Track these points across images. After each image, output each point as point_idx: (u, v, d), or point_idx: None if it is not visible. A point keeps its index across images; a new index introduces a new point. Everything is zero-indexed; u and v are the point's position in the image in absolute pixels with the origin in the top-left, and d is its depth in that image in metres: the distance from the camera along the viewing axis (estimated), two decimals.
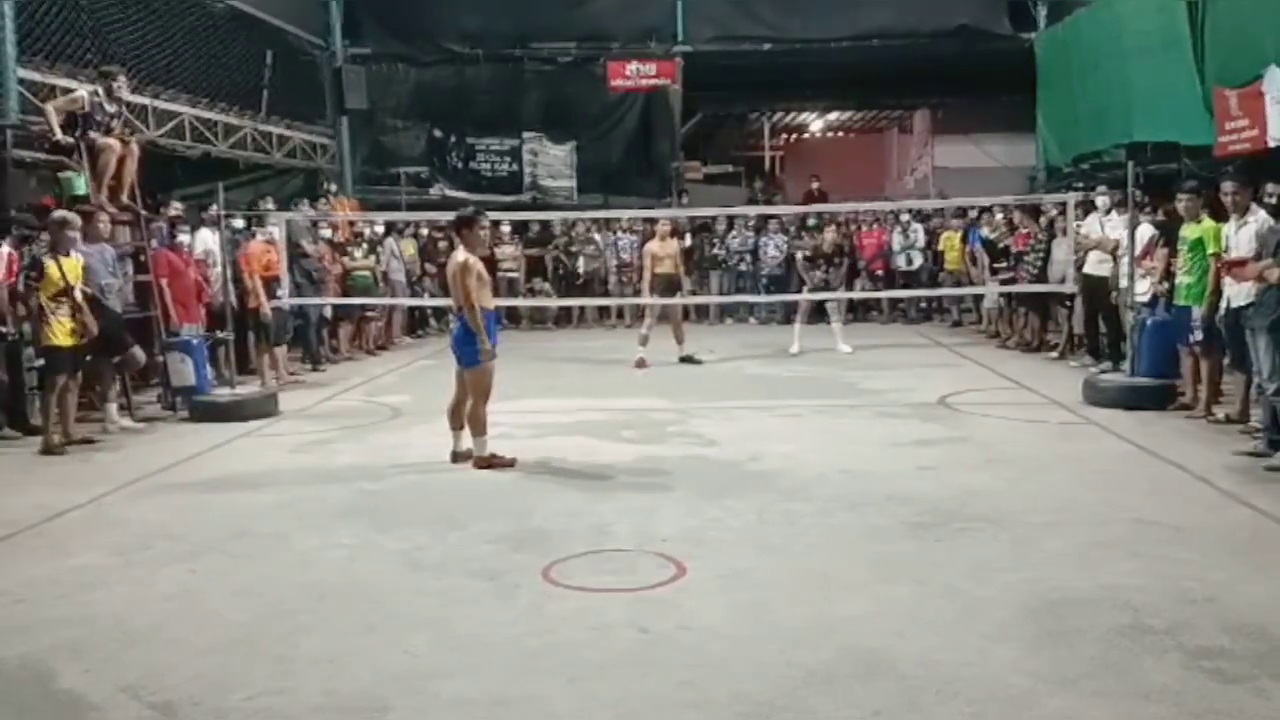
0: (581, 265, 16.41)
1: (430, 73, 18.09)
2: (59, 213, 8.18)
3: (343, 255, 13.17)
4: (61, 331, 7.82)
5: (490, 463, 6.92)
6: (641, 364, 11.76)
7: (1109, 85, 13.80)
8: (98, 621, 4.37)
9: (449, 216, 14.91)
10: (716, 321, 16.64)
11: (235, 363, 9.82)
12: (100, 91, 9.19)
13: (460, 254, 6.95)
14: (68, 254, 7.91)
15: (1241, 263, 7.11)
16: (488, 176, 18.01)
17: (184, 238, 10.47)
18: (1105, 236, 10.26)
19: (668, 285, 12.31)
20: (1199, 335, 7.93)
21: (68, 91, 9.57)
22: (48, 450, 7.71)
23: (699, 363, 11.91)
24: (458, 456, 7.09)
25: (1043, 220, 12.14)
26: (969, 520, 5.55)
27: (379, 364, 12.66)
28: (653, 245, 12.47)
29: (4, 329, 8.11)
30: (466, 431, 7.05)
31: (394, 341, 14.38)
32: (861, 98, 22.32)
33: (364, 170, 18.18)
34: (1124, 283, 9.41)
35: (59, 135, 8.93)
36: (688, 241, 16.20)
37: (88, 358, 8.14)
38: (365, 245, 13.59)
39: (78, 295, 7.86)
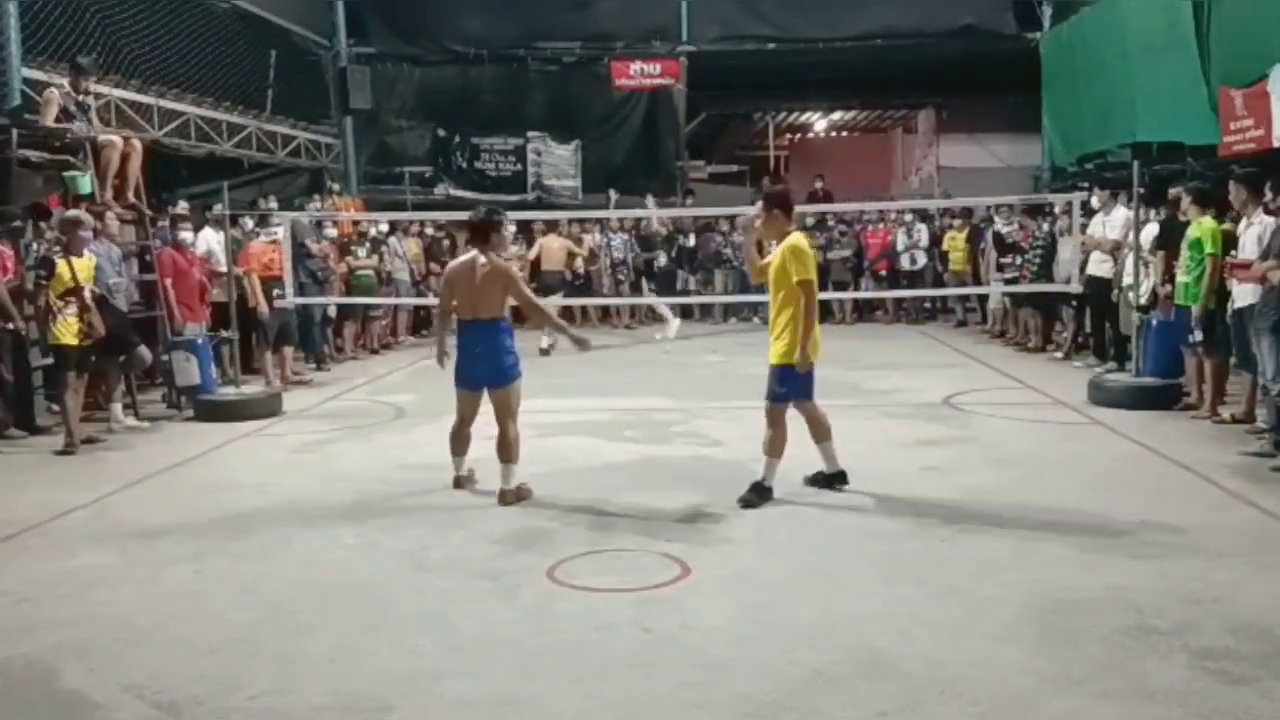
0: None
1: (435, 72, 18.11)
2: (72, 212, 8.20)
3: (346, 255, 13.18)
4: (68, 331, 7.82)
5: (519, 494, 6.15)
6: (545, 352, 12.22)
7: (1114, 85, 13.78)
8: (101, 621, 4.37)
9: (454, 216, 15.03)
10: (720, 320, 16.64)
11: (240, 362, 9.82)
12: (68, 84, 9.23)
13: (493, 258, 6.19)
14: (80, 254, 7.92)
15: (1246, 264, 7.11)
16: (492, 176, 18.02)
17: (186, 235, 10.46)
18: (1104, 237, 10.27)
19: (552, 284, 13.14)
20: (1199, 335, 7.93)
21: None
22: (67, 449, 7.69)
23: (547, 354, 12.19)
24: (461, 483, 6.43)
25: (1042, 220, 12.14)
26: (973, 520, 5.54)
27: (383, 363, 12.67)
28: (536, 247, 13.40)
29: (11, 325, 8.11)
30: (468, 459, 6.48)
31: (398, 341, 14.40)
32: (866, 97, 22.34)
33: (369, 170, 18.21)
34: (1126, 280, 9.41)
35: (70, 131, 8.98)
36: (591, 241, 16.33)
37: (93, 357, 8.14)
38: (368, 245, 13.60)
39: (87, 295, 7.87)
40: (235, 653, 4.02)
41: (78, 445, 7.76)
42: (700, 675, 3.73)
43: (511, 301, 6.24)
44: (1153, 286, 8.97)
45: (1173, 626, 4.05)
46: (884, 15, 17.37)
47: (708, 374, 11.37)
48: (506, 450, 6.12)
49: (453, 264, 6.48)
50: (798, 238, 5.99)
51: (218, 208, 10.09)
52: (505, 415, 6.15)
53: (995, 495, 6.02)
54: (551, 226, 14.62)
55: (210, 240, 10.65)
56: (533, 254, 14.32)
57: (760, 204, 6.14)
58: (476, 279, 6.11)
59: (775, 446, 6.01)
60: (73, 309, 7.82)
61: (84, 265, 7.95)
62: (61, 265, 7.81)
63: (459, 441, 6.42)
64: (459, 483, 6.42)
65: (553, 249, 14.42)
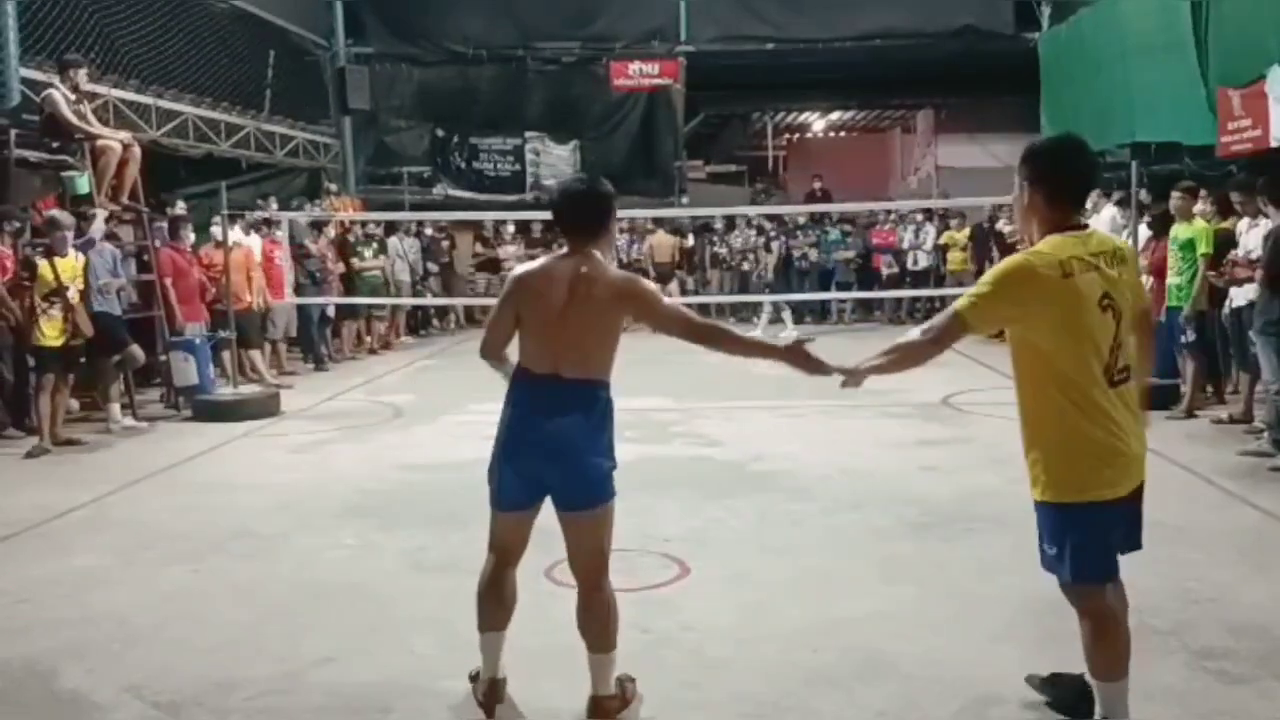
0: None
1: (433, 73, 18.11)
2: (50, 212, 8.15)
3: (350, 255, 13.19)
4: (51, 331, 7.76)
5: (625, 699, 3.46)
6: None
7: (1112, 85, 13.78)
8: (100, 621, 4.37)
9: (451, 216, 15.15)
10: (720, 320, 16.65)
11: (237, 362, 9.81)
12: (60, 83, 9.21)
13: (604, 265, 3.37)
14: (64, 254, 7.83)
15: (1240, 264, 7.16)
16: (490, 176, 18.03)
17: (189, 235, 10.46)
18: None
19: (664, 275, 13.36)
20: (1191, 336, 7.94)
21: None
22: (33, 453, 7.62)
23: None
24: (494, 694, 3.48)
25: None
26: (972, 520, 5.54)
27: (381, 363, 12.66)
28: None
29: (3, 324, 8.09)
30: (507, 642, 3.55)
31: (397, 341, 14.40)
32: (865, 98, 22.33)
33: (367, 170, 18.21)
34: None
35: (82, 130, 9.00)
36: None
37: (82, 359, 8.08)
38: (375, 245, 13.61)
39: (71, 296, 7.77)
40: (234, 653, 4.02)
41: (50, 448, 7.68)
42: (699, 675, 3.73)
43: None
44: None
45: (1171, 626, 4.05)
46: (882, 16, 17.36)
47: (706, 374, 11.35)
48: (600, 628, 3.38)
49: (527, 268, 3.51)
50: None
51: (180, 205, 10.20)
52: (594, 563, 3.43)
53: (994, 495, 6.01)
54: (659, 223, 16.02)
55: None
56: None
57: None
58: (569, 300, 3.30)
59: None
60: (57, 309, 7.74)
61: (68, 265, 7.84)
62: (43, 266, 7.73)
63: (494, 601, 3.55)
64: (491, 693, 3.47)
65: (664, 244, 15.96)
